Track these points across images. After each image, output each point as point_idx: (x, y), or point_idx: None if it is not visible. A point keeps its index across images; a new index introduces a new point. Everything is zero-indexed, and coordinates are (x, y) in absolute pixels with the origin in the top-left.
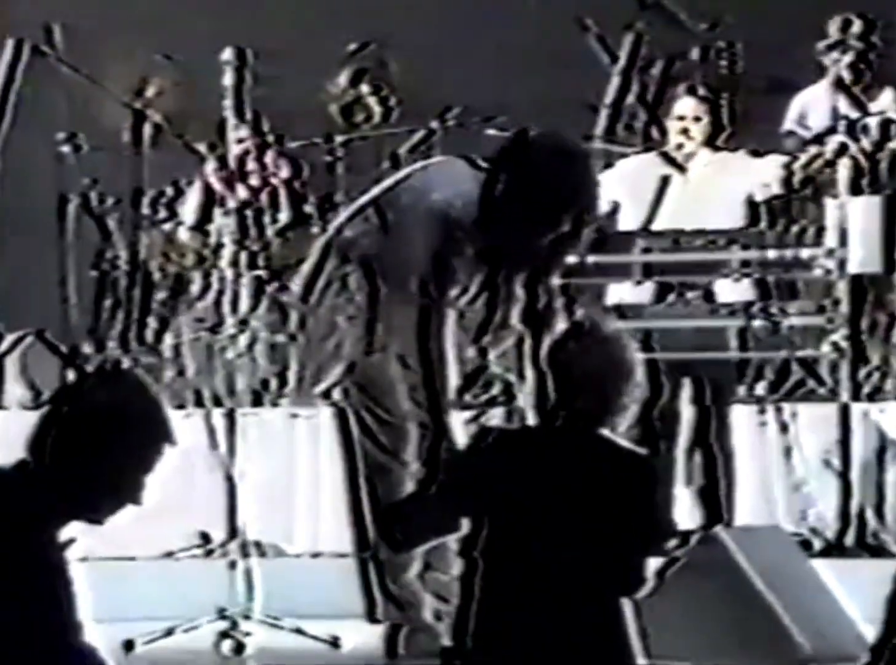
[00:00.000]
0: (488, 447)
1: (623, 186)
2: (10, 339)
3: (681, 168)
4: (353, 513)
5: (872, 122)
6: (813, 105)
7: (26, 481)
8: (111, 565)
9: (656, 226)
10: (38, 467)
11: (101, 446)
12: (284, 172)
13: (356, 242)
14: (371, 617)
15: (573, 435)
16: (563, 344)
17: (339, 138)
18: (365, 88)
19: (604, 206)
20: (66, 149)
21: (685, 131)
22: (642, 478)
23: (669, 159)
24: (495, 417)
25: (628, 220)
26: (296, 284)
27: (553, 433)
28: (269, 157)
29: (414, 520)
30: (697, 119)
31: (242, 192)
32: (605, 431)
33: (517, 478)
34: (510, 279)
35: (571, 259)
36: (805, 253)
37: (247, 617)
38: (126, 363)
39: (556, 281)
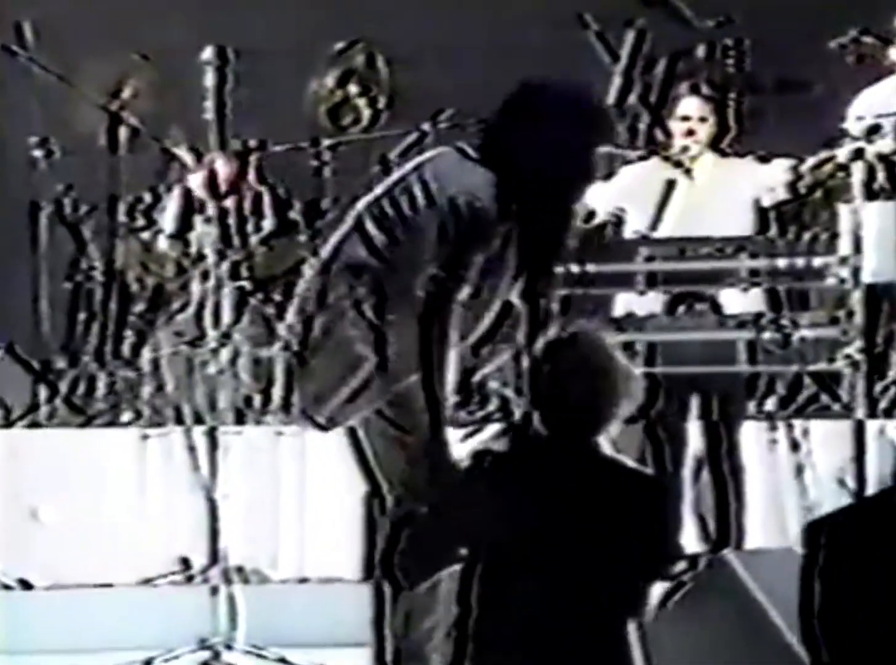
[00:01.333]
0: (485, 471)
1: (627, 193)
2: None
3: (686, 172)
4: (367, 539)
5: (888, 122)
6: (879, 104)
7: None
8: (86, 593)
9: (661, 233)
10: None
11: None
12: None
13: (359, 262)
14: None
15: (574, 455)
16: (549, 355)
17: (326, 142)
18: (353, 89)
19: (607, 214)
20: (38, 153)
21: (690, 132)
22: (648, 499)
23: (674, 163)
24: (492, 438)
25: (635, 225)
26: (293, 315)
27: (552, 454)
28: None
29: (410, 552)
30: (703, 119)
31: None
32: (610, 450)
33: (516, 502)
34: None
35: (573, 268)
36: (817, 261)
37: (229, 647)
38: (103, 379)
39: (557, 292)
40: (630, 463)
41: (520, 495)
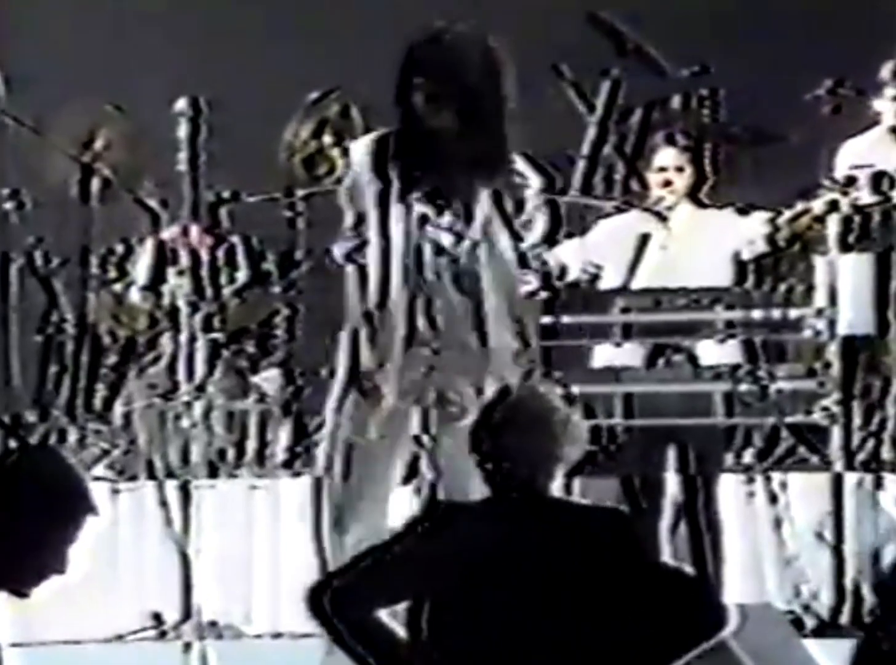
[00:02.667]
0: (438, 520)
1: (604, 248)
2: None
3: (664, 223)
4: None
5: (862, 174)
6: (864, 153)
7: None
8: (54, 650)
9: (638, 284)
10: None
11: (24, 519)
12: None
13: None
14: None
15: (524, 502)
16: (487, 413)
17: (300, 192)
18: (327, 139)
19: (585, 270)
20: (8, 206)
21: (667, 183)
22: (610, 528)
23: (652, 214)
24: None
25: (611, 281)
26: None
27: (503, 502)
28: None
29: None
30: (680, 169)
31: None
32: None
33: (469, 549)
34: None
35: (546, 320)
36: (793, 313)
37: None
38: (74, 433)
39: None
40: (584, 501)
41: (473, 543)
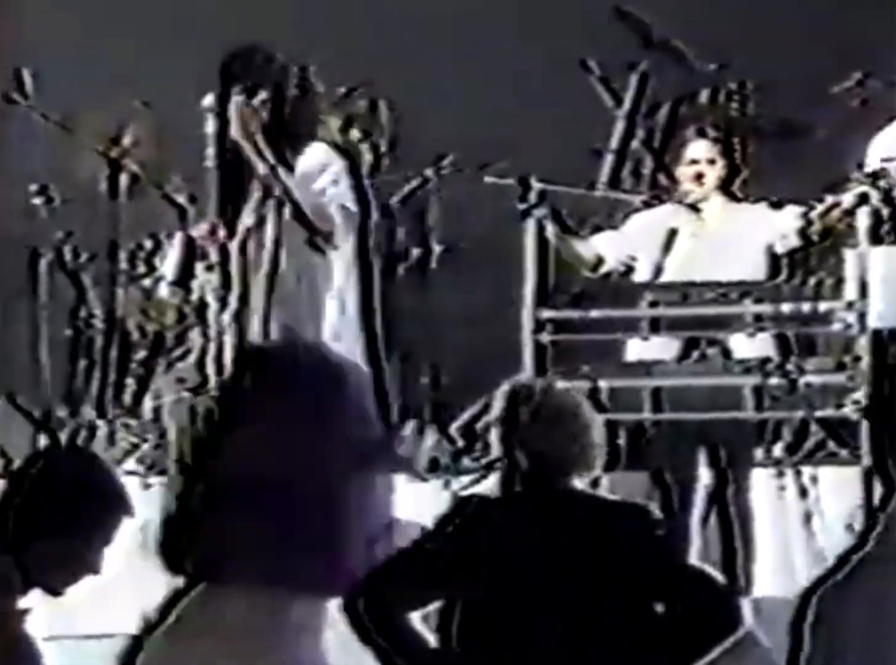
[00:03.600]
0: (469, 516)
1: (639, 240)
2: None
3: (696, 217)
4: None
5: (891, 166)
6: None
7: None
8: (85, 644)
9: (671, 277)
10: None
11: (62, 519)
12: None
13: None
14: None
15: (553, 497)
16: (512, 406)
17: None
18: (355, 134)
19: (618, 262)
20: (38, 201)
21: (699, 176)
22: (635, 525)
23: (686, 207)
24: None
25: (643, 274)
26: None
27: (532, 498)
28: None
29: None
30: (712, 162)
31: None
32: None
33: (501, 544)
34: None
35: (574, 314)
36: (823, 306)
37: None
38: (103, 428)
39: (548, 338)
40: (611, 497)
41: (504, 537)
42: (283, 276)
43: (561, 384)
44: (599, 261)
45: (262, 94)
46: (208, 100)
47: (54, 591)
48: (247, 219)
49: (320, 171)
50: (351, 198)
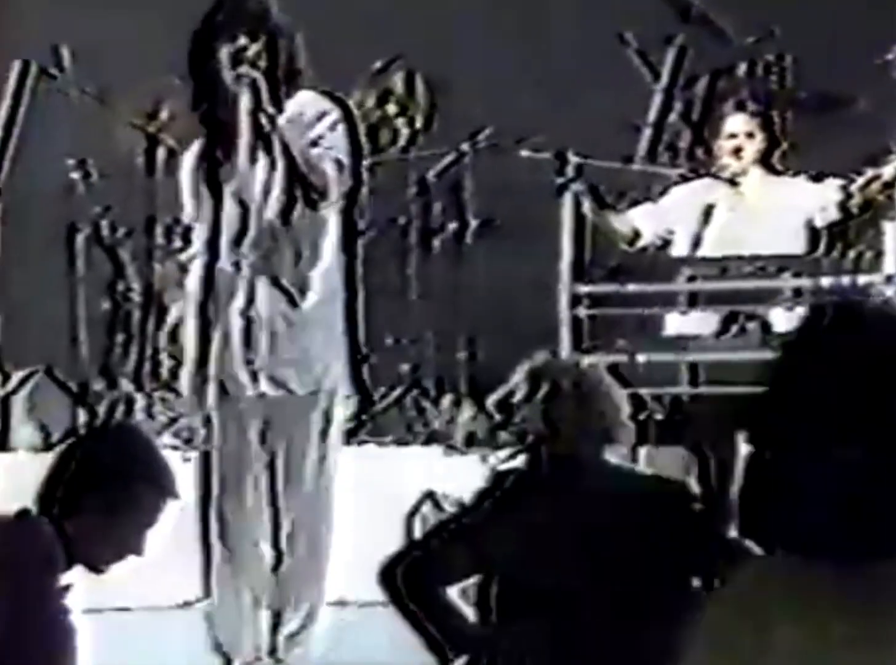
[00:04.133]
0: (508, 489)
1: (677, 213)
2: (17, 377)
3: (735, 191)
4: None
5: None
6: None
7: (30, 529)
8: (123, 618)
9: (709, 251)
10: (44, 516)
11: (108, 500)
12: None
13: None
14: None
15: (589, 470)
16: (536, 381)
17: (364, 162)
18: (391, 109)
19: (655, 236)
20: (75, 176)
21: (738, 149)
22: (671, 498)
23: (724, 181)
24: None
25: (681, 248)
26: None
27: (568, 470)
28: None
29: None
30: (750, 135)
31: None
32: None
33: (539, 518)
34: None
35: (610, 288)
36: (862, 280)
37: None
38: (141, 401)
39: (585, 312)
40: (648, 471)
41: (542, 510)
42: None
43: (584, 360)
44: (636, 235)
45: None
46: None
47: (96, 568)
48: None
49: (317, 118)
50: (345, 150)
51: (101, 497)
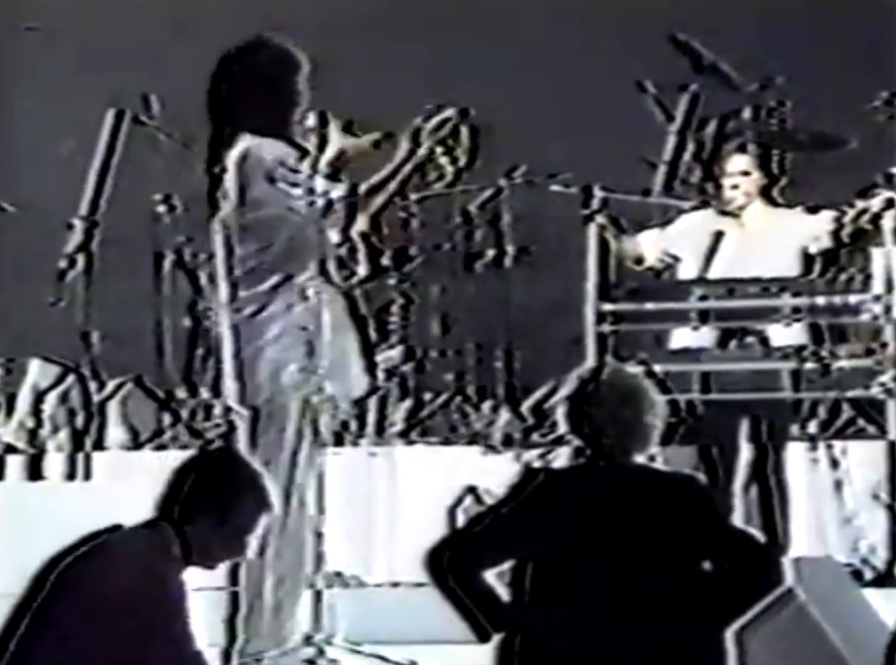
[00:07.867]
0: (538, 486)
1: (682, 241)
2: (111, 385)
3: (737, 221)
4: None
5: None
6: None
7: (163, 534)
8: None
9: (717, 274)
10: (164, 523)
11: (218, 509)
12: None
13: None
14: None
15: (616, 470)
16: (582, 388)
17: (413, 196)
18: (438, 149)
19: (657, 260)
20: (161, 209)
21: (736, 187)
22: (690, 491)
23: (725, 213)
24: (559, 457)
25: (689, 271)
26: None
27: (597, 470)
28: None
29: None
30: (746, 173)
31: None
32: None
33: (567, 512)
34: None
35: (629, 306)
36: (853, 299)
37: (329, 643)
38: (218, 407)
39: (608, 328)
40: (663, 468)
41: (568, 504)
42: None
43: (628, 369)
44: (639, 259)
45: None
46: (310, 119)
47: (210, 566)
48: None
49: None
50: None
51: (213, 507)
